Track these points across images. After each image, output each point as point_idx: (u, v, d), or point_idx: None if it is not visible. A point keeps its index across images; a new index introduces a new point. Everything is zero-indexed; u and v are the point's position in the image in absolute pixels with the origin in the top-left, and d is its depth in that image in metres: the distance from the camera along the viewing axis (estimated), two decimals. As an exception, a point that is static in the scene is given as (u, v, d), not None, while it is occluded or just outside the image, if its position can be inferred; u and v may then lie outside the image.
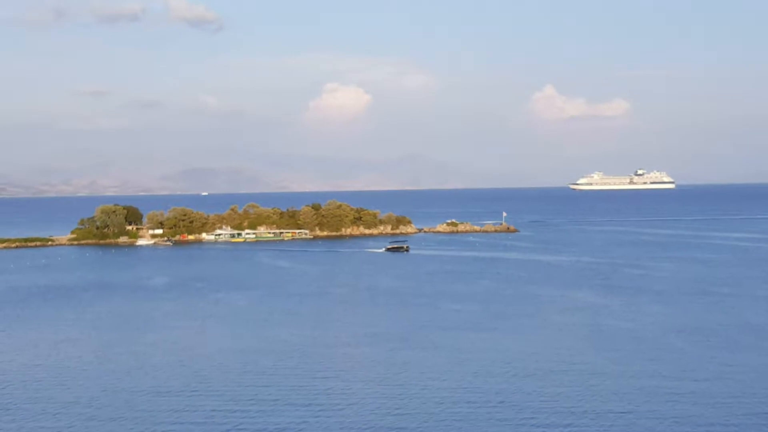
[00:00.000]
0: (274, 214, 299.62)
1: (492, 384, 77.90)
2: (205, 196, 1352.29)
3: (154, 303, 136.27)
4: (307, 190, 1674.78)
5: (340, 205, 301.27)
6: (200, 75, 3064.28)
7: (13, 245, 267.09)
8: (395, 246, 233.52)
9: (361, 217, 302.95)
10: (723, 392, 74.19)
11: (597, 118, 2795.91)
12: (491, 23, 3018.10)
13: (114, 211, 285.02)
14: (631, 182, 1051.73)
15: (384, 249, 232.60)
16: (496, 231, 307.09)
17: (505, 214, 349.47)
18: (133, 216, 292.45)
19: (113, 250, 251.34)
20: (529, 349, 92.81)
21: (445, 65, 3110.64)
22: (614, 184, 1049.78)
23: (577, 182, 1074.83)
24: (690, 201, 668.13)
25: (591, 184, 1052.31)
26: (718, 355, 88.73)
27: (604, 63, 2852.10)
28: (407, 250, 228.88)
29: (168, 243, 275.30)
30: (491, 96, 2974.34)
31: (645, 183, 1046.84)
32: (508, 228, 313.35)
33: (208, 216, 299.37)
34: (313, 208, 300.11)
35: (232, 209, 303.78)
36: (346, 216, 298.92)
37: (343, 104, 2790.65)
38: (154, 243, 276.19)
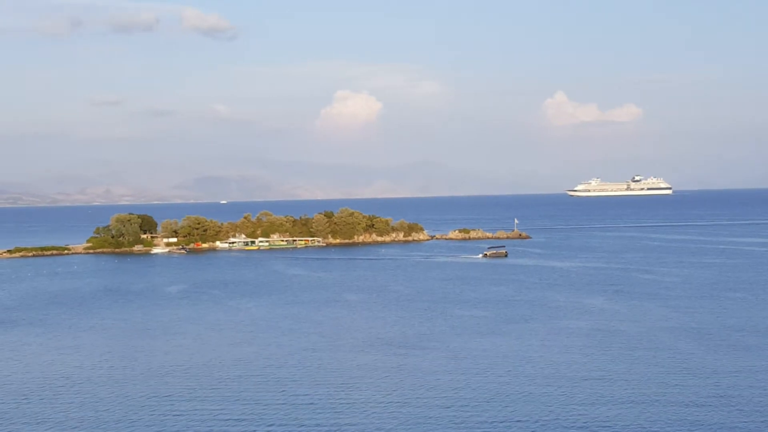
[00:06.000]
0: (287, 222, 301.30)
1: (509, 389, 79.42)
2: (224, 204, 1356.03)
3: (168, 310, 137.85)
4: (318, 198, 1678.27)
5: (353, 213, 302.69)
6: (213, 84, 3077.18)
7: (30, 254, 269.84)
8: (495, 252, 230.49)
9: (373, 225, 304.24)
10: (740, 397, 75.20)
11: (608, 124, 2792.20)
12: (502, 30, 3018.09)
13: (129, 220, 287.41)
14: (628, 188, 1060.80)
15: (482, 255, 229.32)
16: (508, 237, 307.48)
17: (516, 221, 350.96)
18: (147, 224, 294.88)
19: (128, 259, 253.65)
20: (550, 356, 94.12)
21: (456, 72, 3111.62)
22: (611, 190, 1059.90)
23: (575, 189, 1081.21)
24: (694, 206, 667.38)
25: (589, 190, 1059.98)
26: (733, 360, 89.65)
27: (615, 68, 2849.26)
28: (506, 255, 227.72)
29: (182, 251, 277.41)
30: (503, 103, 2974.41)
31: (642, 189, 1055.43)
32: (520, 235, 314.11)
33: (222, 224, 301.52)
34: (325, 215, 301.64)
35: (246, 217, 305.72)
36: (359, 223, 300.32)
37: (354, 112, 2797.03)
38: (169, 251, 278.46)
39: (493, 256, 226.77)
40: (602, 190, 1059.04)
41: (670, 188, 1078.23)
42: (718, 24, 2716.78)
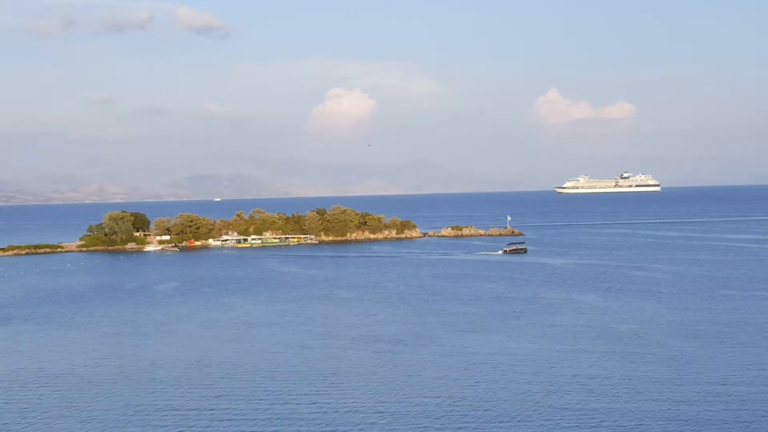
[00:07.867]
0: (279, 219, 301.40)
1: (502, 385, 79.89)
2: (217, 202, 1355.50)
3: (160, 307, 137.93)
4: (311, 196, 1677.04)
5: (345, 210, 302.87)
6: (206, 82, 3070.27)
7: (23, 252, 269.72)
8: (514, 248, 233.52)
9: (365, 222, 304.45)
10: (731, 392, 75.74)
11: (602, 121, 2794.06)
12: (495, 28, 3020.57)
13: (122, 218, 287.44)
14: (616, 185, 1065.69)
15: (501, 251, 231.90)
16: (500, 234, 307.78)
17: (509, 217, 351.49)
18: (140, 222, 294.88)
19: (121, 257, 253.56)
20: (542, 353, 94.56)
21: (449, 70, 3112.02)
22: (600, 187, 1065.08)
23: (563, 186, 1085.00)
24: (682, 202, 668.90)
25: (577, 187, 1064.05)
26: (724, 355, 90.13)
27: (608, 66, 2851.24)
28: (525, 251, 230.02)
29: (175, 249, 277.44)
30: (496, 101, 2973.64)
31: (630, 186, 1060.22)
32: (513, 231, 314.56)
33: (215, 222, 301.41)
34: (318, 213, 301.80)
35: (238, 215, 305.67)
36: (351, 221, 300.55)
37: (347, 110, 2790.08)
38: (162, 249, 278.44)
39: (513, 252, 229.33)
40: (591, 188, 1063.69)
41: (658, 185, 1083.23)
42: (711, 23, 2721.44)
